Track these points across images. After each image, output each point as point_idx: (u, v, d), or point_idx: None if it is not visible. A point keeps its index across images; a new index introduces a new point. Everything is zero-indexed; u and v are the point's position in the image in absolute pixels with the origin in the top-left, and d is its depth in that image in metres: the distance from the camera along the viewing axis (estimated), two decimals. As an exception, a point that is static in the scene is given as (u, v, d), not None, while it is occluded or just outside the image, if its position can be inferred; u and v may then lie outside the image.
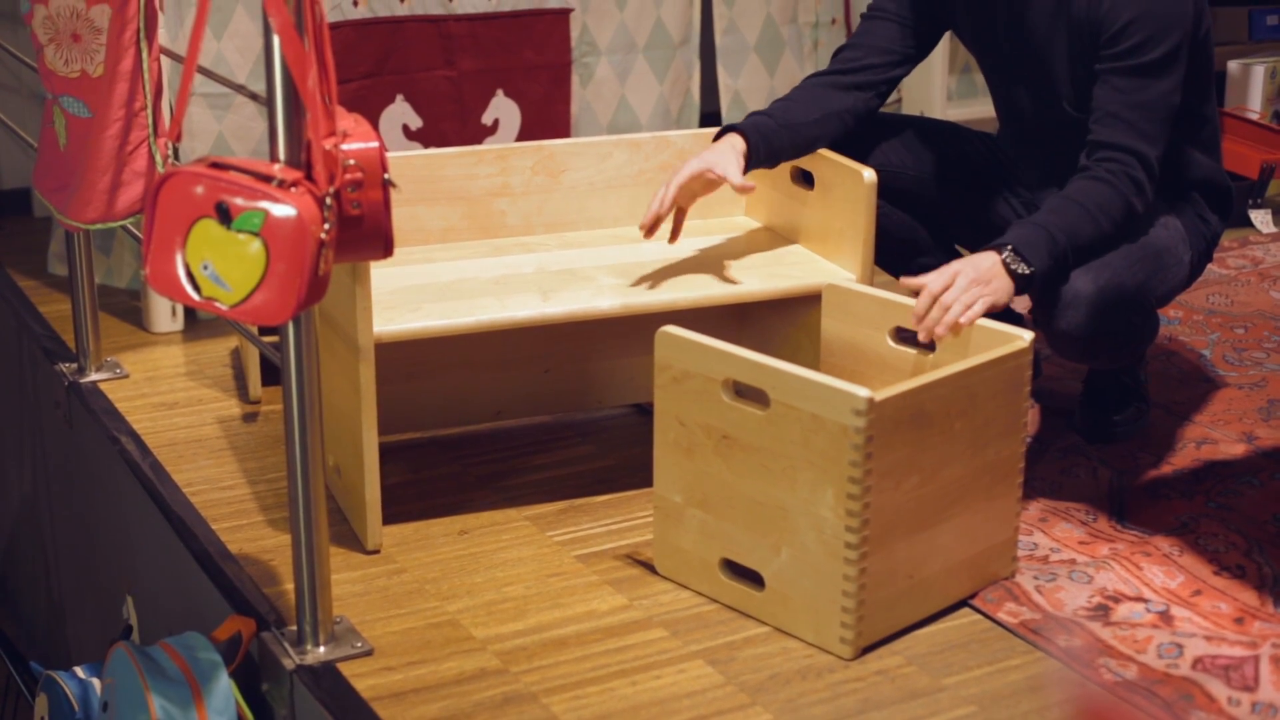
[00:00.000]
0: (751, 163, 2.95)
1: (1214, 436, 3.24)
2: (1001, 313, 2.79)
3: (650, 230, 2.92)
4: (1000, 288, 2.73)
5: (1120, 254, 2.87)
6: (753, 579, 2.60)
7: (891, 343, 2.83)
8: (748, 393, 2.55)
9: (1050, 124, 3.06)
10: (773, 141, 2.98)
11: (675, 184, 2.92)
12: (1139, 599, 2.65)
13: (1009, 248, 2.76)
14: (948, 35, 4.41)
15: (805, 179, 3.15)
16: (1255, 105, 4.87)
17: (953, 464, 2.58)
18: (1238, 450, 3.18)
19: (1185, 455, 3.16)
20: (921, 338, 2.74)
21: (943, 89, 4.60)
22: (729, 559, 2.63)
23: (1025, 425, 2.71)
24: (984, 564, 2.70)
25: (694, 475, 2.63)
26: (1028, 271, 2.75)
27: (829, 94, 3.07)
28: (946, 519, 2.60)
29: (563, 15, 4.17)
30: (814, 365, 2.77)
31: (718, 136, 3.00)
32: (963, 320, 2.69)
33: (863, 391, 2.40)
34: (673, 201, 2.93)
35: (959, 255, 3.11)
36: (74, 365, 3.51)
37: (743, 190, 2.89)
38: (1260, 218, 4.60)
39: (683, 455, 2.63)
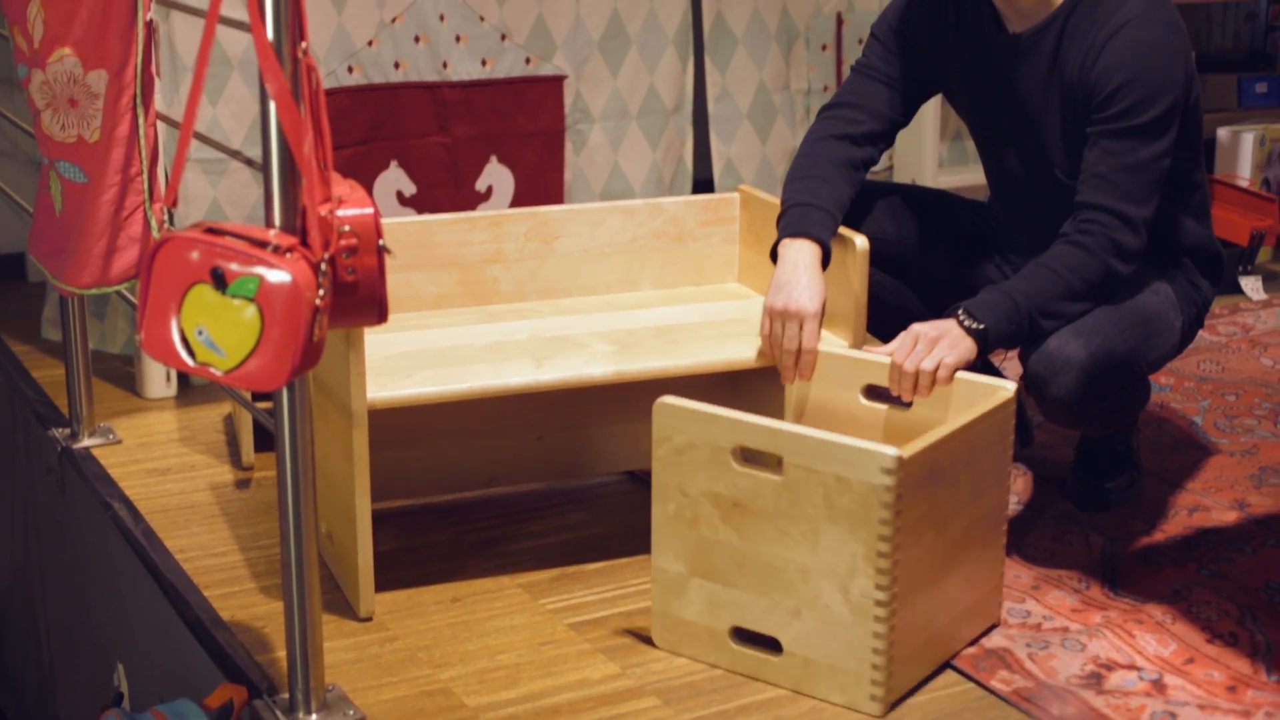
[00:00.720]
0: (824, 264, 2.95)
1: (1206, 504, 3.24)
2: (982, 368, 2.82)
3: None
4: (957, 344, 2.78)
5: (1111, 320, 2.88)
6: (767, 644, 2.59)
7: (863, 400, 2.85)
8: (757, 458, 2.55)
9: (1042, 190, 3.07)
10: (833, 235, 2.99)
11: (813, 341, 2.88)
12: (1132, 667, 2.64)
13: (962, 308, 2.82)
14: (939, 102, 4.44)
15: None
16: (1245, 172, 4.89)
17: (959, 515, 2.61)
18: (1230, 518, 3.18)
19: (1177, 522, 3.16)
20: (906, 398, 2.78)
21: (934, 156, 4.62)
22: (740, 627, 2.61)
23: (1010, 474, 2.77)
24: (982, 610, 2.74)
25: (698, 545, 2.61)
26: (979, 327, 2.80)
27: (849, 173, 3.06)
28: (954, 569, 2.62)
29: (556, 82, 4.19)
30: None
31: (785, 237, 2.95)
32: (940, 377, 2.74)
33: (891, 450, 2.41)
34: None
35: None
36: (67, 431, 3.51)
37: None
38: (1250, 284, 4.62)
39: (685, 526, 2.62)
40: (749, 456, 2.56)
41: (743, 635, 2.62)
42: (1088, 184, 2.89)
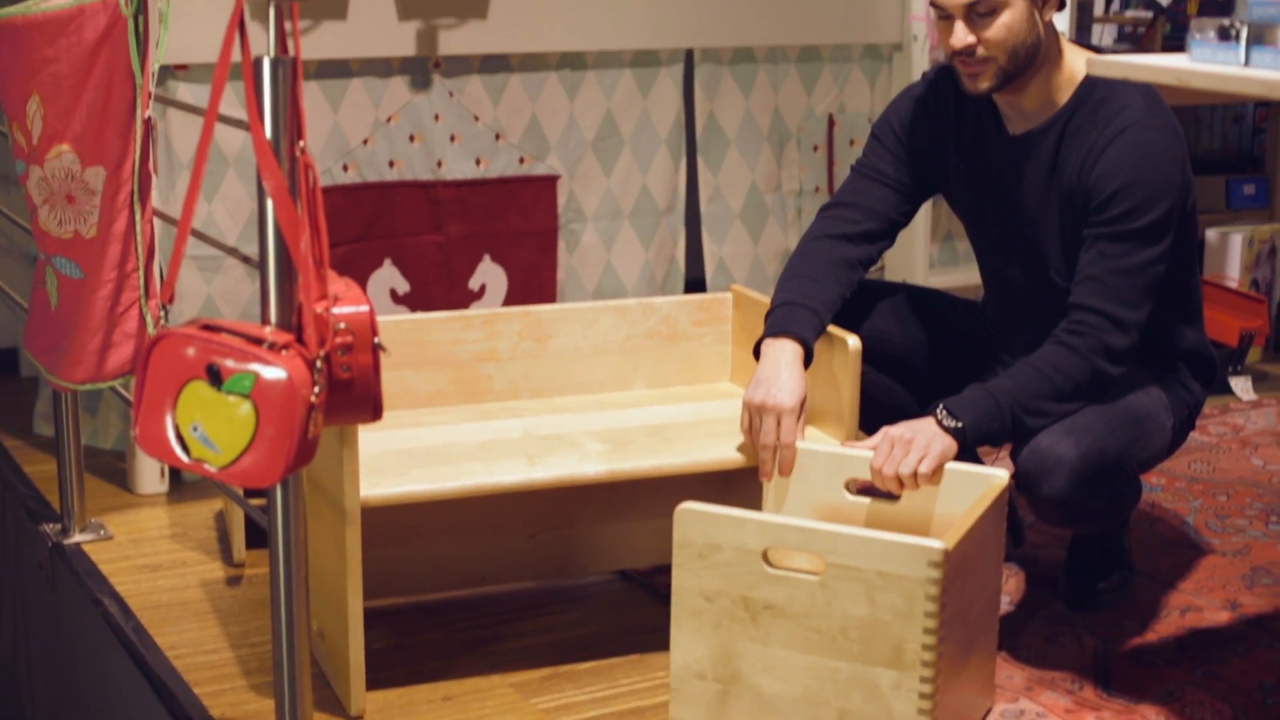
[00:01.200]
0: (806, 363, 2.96)
1: (1198, 604, 3.23)
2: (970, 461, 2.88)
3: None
4: (933, 443, 2.79)
5: (1102, 419, 2.89)
6: None
7: (849, 495, 2.86)
8: (788, 559, 2.55)
9: (1038, 292, 3.09)
10: (819, 335, 3.00)
11: (791, 436, 2.88)
12: (1127, 769, 2.63)
13: (942, 405, 2.84)
14: (930, 203, 4.46)
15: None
16: (1234, 273, 4.92)
17: (975, 602, 2.63)
18: (1223, 618, 3.18)
19: (1170, 623, 3.15)
20: (896, 492, 2.81)
21: (925, 257, 4.64)
22: None
23: (1002, 557, 2.82)
24: (985, 691, 2.78)
25: (723, 651, 2.59)
26: (957, 425, 2.81)
27: (843, 272, 3.08)
28: (970, 655, 2.65)
29: (550, 182, 4.22)
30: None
31: (768, 335, 2.97)
32: (922, 471, 2.76)
33: (936, 544, 2.43)
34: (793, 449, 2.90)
35: None
36: (58, 526, 3.50)
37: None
38: (1241, 385, 4.64)
39: (709, 631, 2.59)
40: (778, 558, 2.55)
41: None
42: (1081, 285, 2.91)
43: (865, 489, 2.87)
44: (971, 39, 2.90)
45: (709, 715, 2.62)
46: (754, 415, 2.90)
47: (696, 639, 2.61)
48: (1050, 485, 2.83)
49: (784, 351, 2.93)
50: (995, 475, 2.76)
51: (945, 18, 2.92)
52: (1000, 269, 3.20)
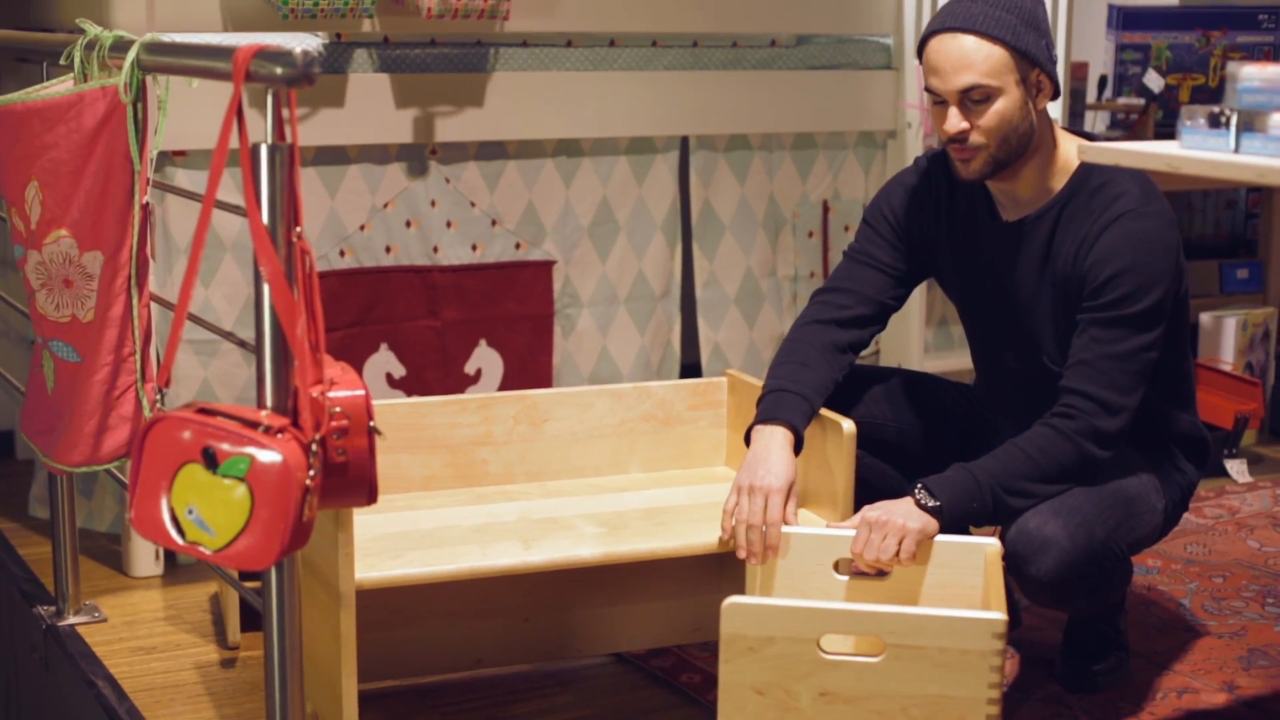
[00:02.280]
0: (796, 449, 2.98)
1: (1195, 686, 3.23)
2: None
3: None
4: (908, 520, 2.81)
5: (1091, 500, 2.89)
6: None
7: (837, 575, 2.86)
8: (841, 643, 2.58)
9: (1030, 376, 3.10)
10: (810, 420, 3.02)
11: (778, 515, 2.88)
12: None
13: (921, 484, 2.86)
14: (924, 287, 4.49)
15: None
16: (1228, 357, 4.94)
17: None
18: (1219, 700, 3.17)
19: (1167, 705, 3.15)
20: (880, 571, 2.84)
21: (920, 341, 4.66)
22: None
23: None
24: None
25: None
26: (934, 504, 2.83)
27: (834, 356, 3.09)
28: None
29: (546, 267, 4.24)
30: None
31: (759, 422, 2.98)
32: (903, 555, 2.79)
33: (999, 615, 2.45)
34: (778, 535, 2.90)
35: None
36: (52, 608, 3.50)
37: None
38: (1236, 468, 4.64)
39: None
40: (831, 644, 2.56)
41: None
42: (1073, 370, 2.92)
43: (857, 570, 2.87)
44: (965, 125, 2.92)
45: None
46: (741, 496, 2.90)
47: None
48: (1039, 566, 2.83)
49: (774, 437, 2.94)
50: (987, 544, 2.78)
51: (939, 103, 2.95)
52: (992, 353, 3.21)
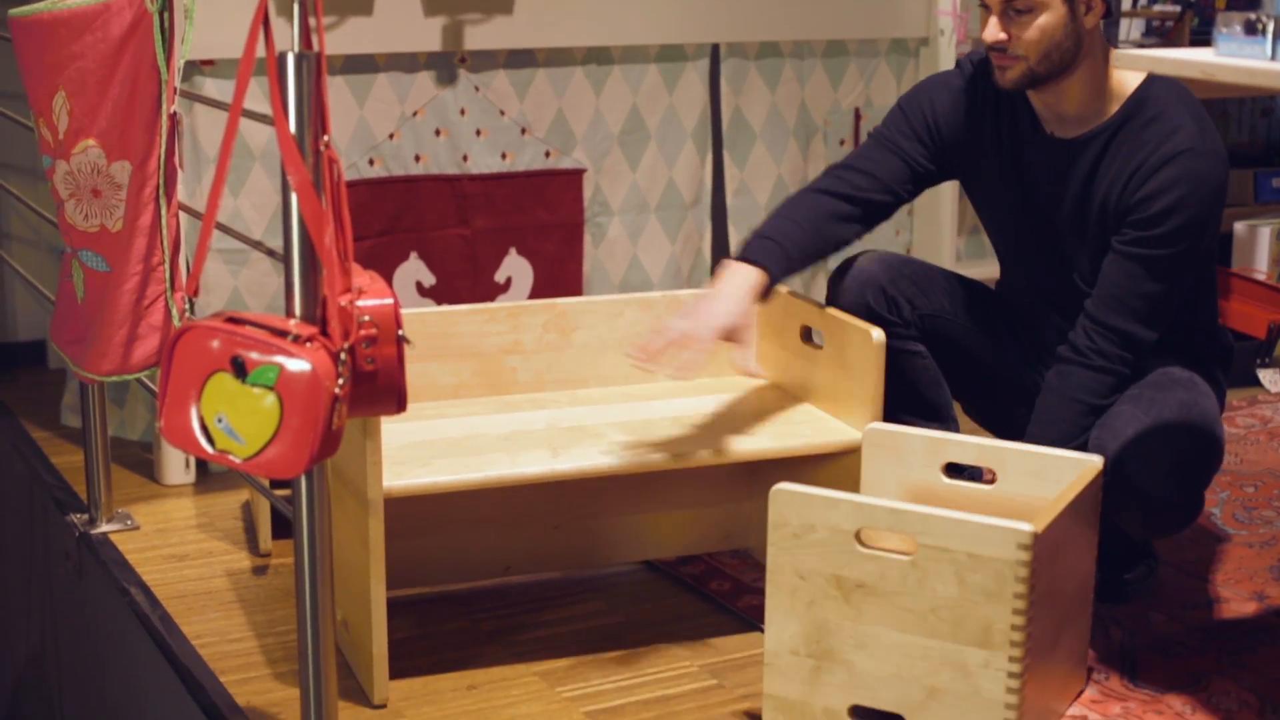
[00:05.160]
0: (764, 297, 2.98)
1: (1225, 595, 3.23)
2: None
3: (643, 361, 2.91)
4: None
5: (1150, 389, 2.94)
6: None
7: (944, 478, 2.89)
8: (879, 538, 2.59)
9: (1058, 291, 3.10)
10: (786, 274, 3.01)
11: (700, 347, 2.88)
12: (1150, 760, 2.64)
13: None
14: (955, 195, 4.46)
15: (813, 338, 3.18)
16: (1261, 266, 4.90)
17: (1067, 585, 2.67)
18: (1249, 609, 3.17)
19: (1197, 614, 3.15)
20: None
21: (952, 250, 4.64)
22: (859, 705, 2.63)
23: (1096, 543, 2.83)
24: (1074, 676, 2.82)
25: (815, 627, 2.62)
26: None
27: (831, 225, 3.08)
28: (1061, 636, 2.68)
29: (576, 175, 4.22)
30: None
31: (735, 258, 2.99)
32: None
33: (1026, 526, 2.45)
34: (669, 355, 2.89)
35: (953, 423, 3.17)
36: (85, 516, 3.52)
37: (751, 375, 2.91)
38: (1269, 377, 4.61)
39: (802, 608, 2.63)
40: (870, 538, 2.58)
41: (861, 713, 2.64)
42: (1105, 301, 2.94)
43: (957, 471, 2.91)
44: (1003, 35, 2.90)
45: (802, 690, 2.65)
46: (677, 318, 2.92)
47: (790, 616, 2.64)
48: (1136, 467, 2.86)
49: (738, 273, 2.95)
50: (1089, 460, 2.79)
51: (983, 6, 2.92)
52: (1022, 264, 3.20)
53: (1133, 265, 2.92)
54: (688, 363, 2.86)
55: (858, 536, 2.57)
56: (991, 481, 2.88)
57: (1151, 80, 2.97)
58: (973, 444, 2.90)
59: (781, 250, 2.98)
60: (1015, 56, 2.91)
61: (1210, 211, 2.93)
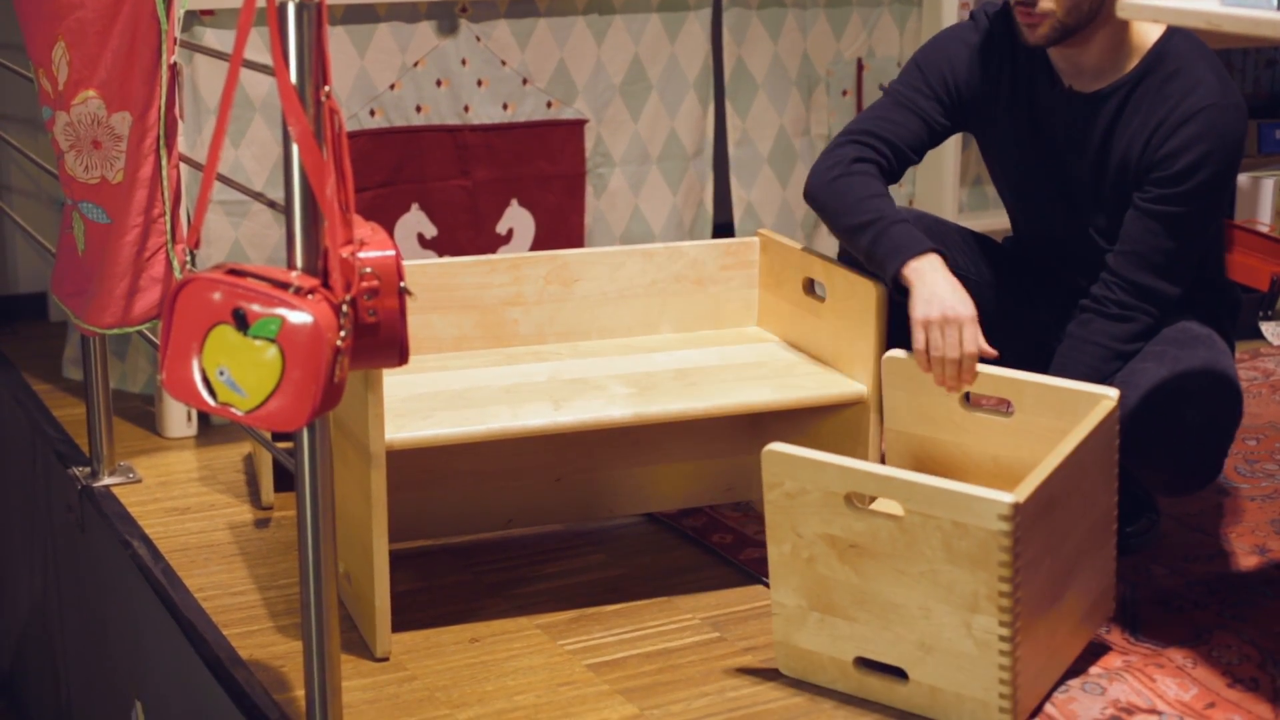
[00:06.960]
0: None
1: (1227, 548, 3.23)
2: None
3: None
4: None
5: (1166, 344, 2.94)
6: (894, 673, 2.63)
7: (963, 408, 2.90)
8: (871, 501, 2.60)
9: (1073, 244, 3.09)
10: None
11: (974, 346, 2.88)
12: (1152, 711, 2.64)
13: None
14: (958, 147, 4.45)
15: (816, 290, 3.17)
16: (1265, 218, 4.89)
17: (1072, 533, 2.67)
18: (1251, 562, 3.18)
19: (1198, 567, 3.15)
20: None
21: (954, 201, 4.62)
22: (863, 657, 2.65)
23: (1116, 475, 2.81)
24: (1096, 609, 2.82)
25: (816, 582, 2.64)
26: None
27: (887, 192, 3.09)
28: (1071, 583, 2.68)
29: (577, 126, 4.21)
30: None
31: (908, 259, 2.93)
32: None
33: (1007, 497, 2.45)
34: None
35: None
36: (87, 469, 3.52)
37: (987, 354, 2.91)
38: (1271, 330, 4.61)
39: (802, 564, 2.65)
40: (862, 500, 2.59)
41: (867, 664, 2.66)
42: (1127, 258, 2.94)
43: (977, 400, 2.93)
44: None
45: (807, 640, 2.69)
46: (932, 330, 2.87)
47: (791, 569, 2.66)
48: (1160, 413, 2.85)
49: (937, 268, 2.91)
50: (1105, 393, 2.77)
51: None
52: (1036, 218, 3.18)
53: (1155, 222, 2.92)
54: (968, 368, 2.89)
55: (848, 499, 2.57)
56: (1010, 412, 2.88)
57: (1171, 33, 2.95)
58: (990, 374, 2.89)
59: (918, 226, 2.99)
60: (1045, 12, 2.88)
61: (1232, 166, 2.93)
